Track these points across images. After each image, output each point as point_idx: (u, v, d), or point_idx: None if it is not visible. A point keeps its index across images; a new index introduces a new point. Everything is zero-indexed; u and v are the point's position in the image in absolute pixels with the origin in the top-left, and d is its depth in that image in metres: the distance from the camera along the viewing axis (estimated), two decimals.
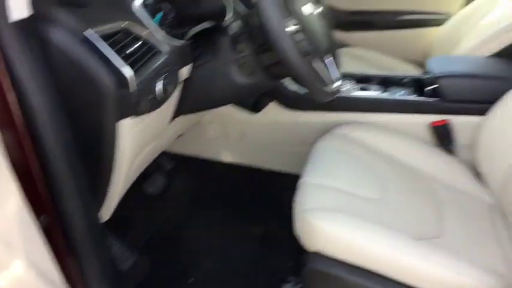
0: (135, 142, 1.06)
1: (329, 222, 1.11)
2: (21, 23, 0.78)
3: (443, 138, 1.52)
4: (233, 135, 1.78)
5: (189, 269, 1.60)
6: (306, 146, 1.49)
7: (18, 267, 0.85)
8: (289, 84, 1.63)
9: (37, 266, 0.88)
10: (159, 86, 1.00)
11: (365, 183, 1.30)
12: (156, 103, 1.02)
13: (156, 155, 1.45)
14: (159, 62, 1.01)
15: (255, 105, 1.71)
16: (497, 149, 1.37)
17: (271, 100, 1.69)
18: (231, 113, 1.73)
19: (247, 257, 1.66)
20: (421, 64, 2.10)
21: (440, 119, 1.51)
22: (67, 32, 0.86)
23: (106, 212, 1.20)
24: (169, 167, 1.90)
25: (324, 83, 1.17)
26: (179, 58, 1.11)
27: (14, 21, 0.77)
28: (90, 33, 0.88)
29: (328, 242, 1.10)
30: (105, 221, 1.20)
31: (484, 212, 1.35)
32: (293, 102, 1.66)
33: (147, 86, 0.96)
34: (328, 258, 1.12)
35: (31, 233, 0.89)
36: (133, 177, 1.30)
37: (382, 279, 1.08)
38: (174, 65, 1.08)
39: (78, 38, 0.86)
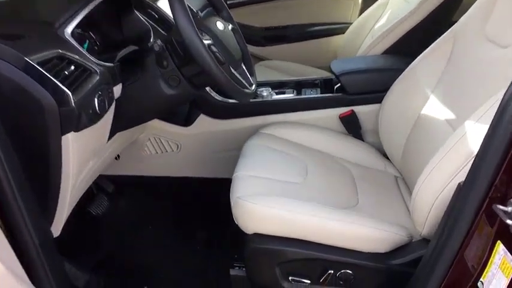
0: (78, 156, 1.17)
1: (262, 204, 1.28)
2: None
3: (351, 126, 1.78)
4: (169, 150, 1.91)
5: (143, 281, 1.69)
6: (237, 150, 1.67)
7: None
8: (215, 96, 1.81)
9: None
10: (96, 101, 1.13)
11: (290, 171, 1.49)
12: (95, 117, 1.14)
13: (97, 175, 1.55)
14: (94, 81, 1.14)
15: (186, 119, 1.86)
16: (394, 130, 1.63)
17: (200, 113, 1.85)
18: (165, 128, 1.86)
19: (197, 260, 1.79)
20: (329, 68, 2.38)
21: (346, 111, 1.76)
22: (8, 62, 0.97)
23: (55, 228, 1.28)
24: (110, 189, 1.98)
25: (243, 84, 1.36)
26: (110, 78, 1.25)
27: None
28: (28, 61, 1.00)
29: (263, 221, 1.27)
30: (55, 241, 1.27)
31: (391, 183, 1.59)
32: (220, 111, 1.83)
33: (85, 102, 1.08)
34: (266, 236, 1.28)
35: None
36: (77, 195, 1.39)
37: (315, 246, 1.27)
38: (107, 84, 1.21)
39: (18, 66, 0.98)
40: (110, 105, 1.22)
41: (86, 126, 1.12)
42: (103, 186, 1.96)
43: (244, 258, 1.34)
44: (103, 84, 1.18)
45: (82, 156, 1.23)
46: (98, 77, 1.16)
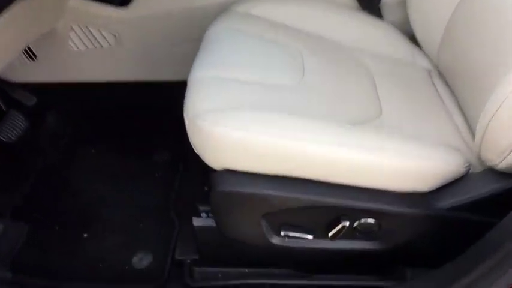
0: None
1: (230, 124, 0.78)
2: None
3: None
4: (104, 43, 1.35)
5: (82, 228, 1.24)
6: (199, 40, 1.12)
7: None
8: None
9: None
10: None
11: (276, 68, 0.97)
12: None
13: None
14: None
15: None
16: (430, 1, 1.09)
17: None
18: (93, 10, 1.27)
19: (154, 195, 1.33)
20: None
21: None
22: None
23: None
24: (31, 102, 1.44)
25: None
26: None
27: None
28: None
29: (235, 152, 0.78)
30: None
31: (423, 80, 1.09)
32: None
33: None
34: (241, 174, 0.81)
35: None
36: None
37: (318, 187, 0.80)
38: None
39: None
40: None
41: None
42: (17, 100, 1.41)
43: (212, 207, 0.88)
44: None
45: None
46: None
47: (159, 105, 1.39)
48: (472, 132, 0.91)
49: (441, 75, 1.10)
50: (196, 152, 0.84)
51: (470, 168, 0.82)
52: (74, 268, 1.14)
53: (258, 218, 0.83)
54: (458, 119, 0.97)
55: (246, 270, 1.02)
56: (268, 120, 0.78)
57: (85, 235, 1.22)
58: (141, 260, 1.15)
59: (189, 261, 1.04)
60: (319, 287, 0.95)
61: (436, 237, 0.84)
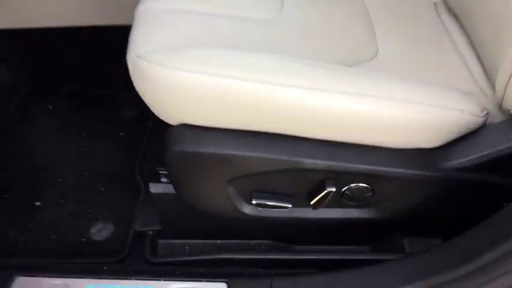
0: None
1: (185, 67, 0.59)
2: None
3: None
4: None
5: (37, 189, 1.08)
6: None
7: None
8: None
9: None
10: None
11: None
12: None
13: None
14: None
15: None
16: None
17: None
18: None
19: (119, 153, 1.16)
20: None
21: None
22: None
23: None
24: None
25: None
26: None
27: None
28: None
29: (191, 101, 0.61)
30: None
31: (428, 15, 0.90)
32: None
33: None
34: (198, 129, 0.64)
35: None
36: None
37: (291, 143, 0.63)
38: None
39: None
40: None
41: None
42: None
43: (168, 171, 0.71)
44: None
45: None
46: None
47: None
48: (488, 76, 0.74)
49: (450, 9, 0.91)
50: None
51: (488, 117, 0.65)
52: (24, 240, 0.99)
53: (223, 184, 0.67)
54: (471, 61, 0.80)
55: (218, 242, 0.87)
56: (232, 60, 0.60)
57: (37, 203, 1.06)
58: (100, 231, 1.00)
59: (151, 232, 0.89)
60: (303, 262, 0.80)
61: (444, 203, 0.69)
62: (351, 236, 0.81)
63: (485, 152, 0.61)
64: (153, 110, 0.66)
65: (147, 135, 1.19)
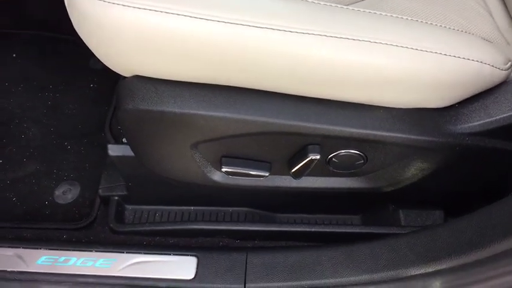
0: None
1: (129, 1, 0.46)
2: None
3: None
4: None
5: None
6: None
7: None
8: None
9: None
10: None
11: None
12: None
13: None
14: None
15: None
16: None
17: None
18: None
19: (88, 107, 1.04)
20: None
21: None
22: None
23: None
24: None
25: None
26: None
27: None
28: None
29: (142, 46, 0.48)
30: None
31: None
32: None
33: None
34: (153, 82, 0.52)
35: None
36: None
37: (265, 100, 0.51)
38: None
39: None
40: None
41: None
42: None
43: (122, 130, 0.60)
44: None
45: None
46: None
47: None
48: None
49: None
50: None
51: (511, 71, 0.52)
52: None
53: (186, 147, 0.56)
54: (494, 4, 0.66)
55: (192, 209, 0.77)
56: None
57: None
58: (66, 193, 0.91)
59: (116, 198, 0.79)
60: (284, 233, 0.71)
61: (449, 174, 0.57)
62: (338, 206, 0.71)
63: (506, 115, 0.49)
64: (100, 59, 0.54)
65: None
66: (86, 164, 0.94)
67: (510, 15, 0.63)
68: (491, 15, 0.64)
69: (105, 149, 0.92)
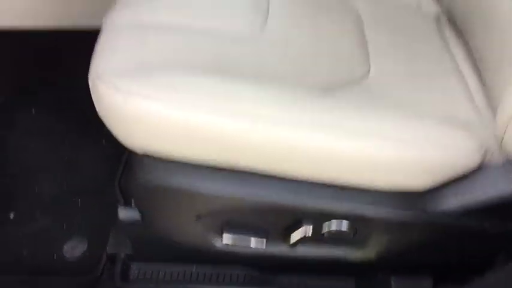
0: None
1: (144, 93, 0.53)
2: None
3: None
4: None
5: (10, 200, 1.02)
6: None
7: None
8: None
9: None
10: None
11: (225, 8, 0.71)
12: None
13: None
14: None
15: None
16: None
17: None
18: None
19: (100, 163, 1.10)
20: None
21: None
22: None
23: None
24: None
25: None
26: None
27: None
28: None
29: (153, 131, 0.55)
30: None
31: (429, 29, 0.83)
32: None
33: None
34: (163, 162, 0.58)
35: None
36: None
37: (263, 182, 0.56)
38: None
39: None
40: None
41: None
42: None
43: (134, 200, 0.65)
44: None
45: None
46: None
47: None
48: (491, 102, 0.66)
49: (452, 24, 0.83)
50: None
51: (486, 156, 0.58)
52: None
53: (191, 218, 0.61)
54: (473, 83, 0.72)
55: (194, 269, 0.81)
56: (198, 87, 0.54)
57: (11, 215, 1.01)
58: (74, 249, 0.95)
59: (123, 256, 0.83)
60: None
61: (433, 247, 0.62)
62: (333, 270, 0.75)
63: (480, 199, 0.54)
64: (115, 136, 0.60)
65: None
66: (95, 220, 0.98)
67: (491, 98, 0.69)
68: (471, 97, 0.70)
69: (115, 207, 0.98)
